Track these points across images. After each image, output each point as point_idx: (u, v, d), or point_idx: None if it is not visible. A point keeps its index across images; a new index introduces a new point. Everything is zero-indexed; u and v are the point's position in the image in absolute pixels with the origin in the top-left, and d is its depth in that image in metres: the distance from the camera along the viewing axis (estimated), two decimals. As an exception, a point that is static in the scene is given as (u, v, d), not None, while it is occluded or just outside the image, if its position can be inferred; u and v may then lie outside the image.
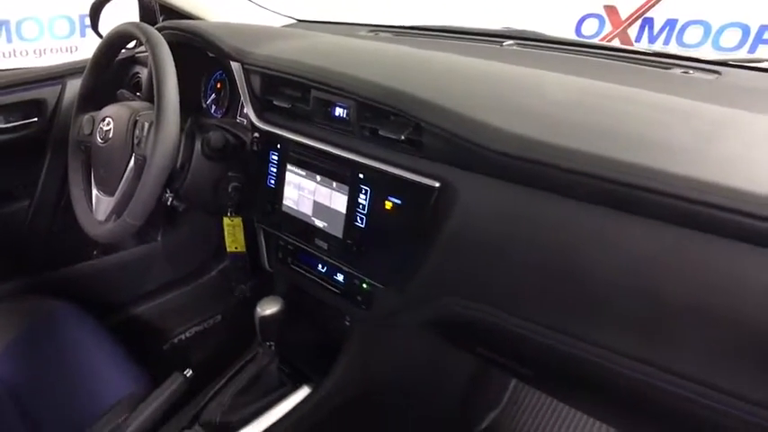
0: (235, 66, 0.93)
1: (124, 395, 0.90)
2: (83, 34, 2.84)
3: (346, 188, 0.79)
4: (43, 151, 1.20)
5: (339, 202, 0.80)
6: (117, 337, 1.03)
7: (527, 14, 2.70)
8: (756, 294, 0.48)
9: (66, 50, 2.85)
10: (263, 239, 1.01)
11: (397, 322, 0.85)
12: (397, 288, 0.77)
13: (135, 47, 1.21)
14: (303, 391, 0.97)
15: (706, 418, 0.55)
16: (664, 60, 0.90)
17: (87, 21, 1.27)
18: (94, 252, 1.31)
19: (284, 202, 0.90)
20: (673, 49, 2.49)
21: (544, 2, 2.73)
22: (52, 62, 1.22)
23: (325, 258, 0.88)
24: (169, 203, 0.92)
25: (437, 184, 0.68)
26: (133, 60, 1.23)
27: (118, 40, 0.97)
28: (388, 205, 0.73)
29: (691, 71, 0.84)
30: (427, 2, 2.92)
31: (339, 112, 0.81)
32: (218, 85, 1.17)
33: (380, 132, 0.73)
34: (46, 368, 0.96)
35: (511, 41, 1.07)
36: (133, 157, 0.88)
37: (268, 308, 0.91)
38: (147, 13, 1.19)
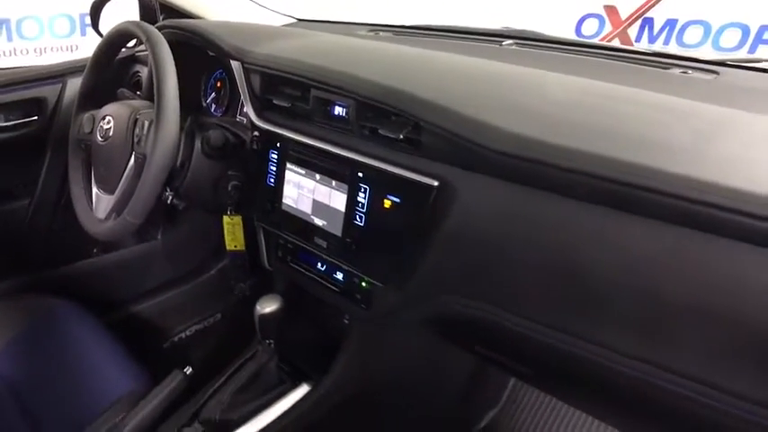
0: (235, 65, 0.93)
1: (124, 393, 0.90)
2: (83, 33, 2.84)
3: (345, 187, 0.79)
4: (43, 150, 1.20)
5: (338, 200, 0.80)
6: (117, 335, 1.03)
7: (527, 14, 2.70)
8: (756, 294, 0.48)
9: (67, 49, 2.85)
10: (262, 238, 1.01)
11: (396, 321, 0.85)
12: (396, 286, 0.77)
13: (135, 46, 1.21)
14: (302, 389, 0.97)
15: (706, 418, 0.55)
16: (663, 60, 0.90)
17: (88, 20, 1.27)
18: (95, 250, 1.31)
19: (284, 200, 0.90)
20: (673, 49, 2.49)
21: (544, 2, 2.73)
22: (53, 61, 1.22)
23: (324, 257, 0.89)
24: (169, 202, 0.92)
25: (436, 183, 0.68)
26: (133, 59, 1.23)
27: (118, 38, 0.97)
28: (387, 204, 0.74)
29: (689, 71, 0.84)
30: (428, 1, 2.92)
31: (339, 111, 0.81)
32: (219, 84, 1.17)
33: (380, 131, 0.73)
34: (46, 366, 0.96)
35: (510, 41, 1.08)
36: (133, 156, 0.88)
37: (267, 306, 0.91)
38: (147, 12, 1.19)
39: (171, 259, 1.39)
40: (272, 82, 0.90)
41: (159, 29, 0.92)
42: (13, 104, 1.14)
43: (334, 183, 0.81)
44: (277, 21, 1.40)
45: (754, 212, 0.46)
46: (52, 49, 2.82)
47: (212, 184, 0.95)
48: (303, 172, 0.86)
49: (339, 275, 0.88)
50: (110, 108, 0.95)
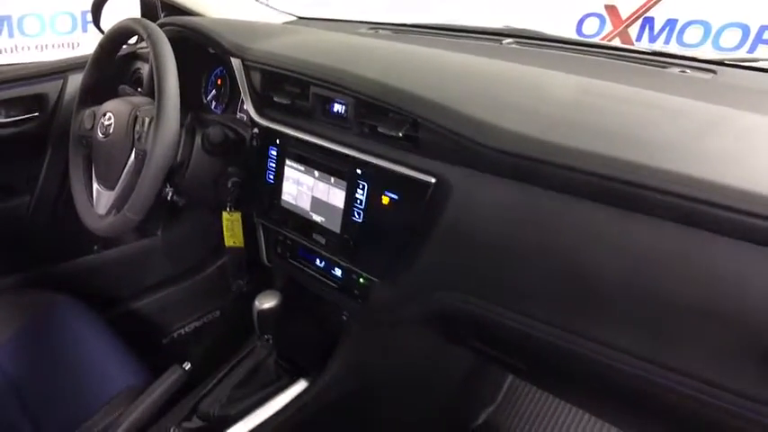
0: (235, 62, 0.93)
1: (123, 388, 0.91)
2: (84, 30, 2.84)
3: (344, 184, 0.80)
4: (44, 146, 1.21)
5: (337, 197, 0.81)
6: (117, 331, 1.04)
7: (528, 14, 2.70)
8: (758, 293, 0.48)
9: (68, 46, 2.85)
10: (261, 234, 1.02)
11: (394, 317, 0.86)
12: (394, 282, 0.78)
13: (136, 43, 1.21)
14: (300, 385, 0.97)
15: (706, 416, 0.55)
16: (661, 60, 0.91)
17: (89, 17, 1.28)
18: (95, 246, 1.32)
19: (283, 197, 0.91)
20: (673, 48, 2.49)
21: (545, 1, 2.73)
22: (54, 58, 1.22)
23: (323, 253, 0.89)
24: (169, 198, 0.93)
25: (433, 181, 0.68)
26: (135, 56, 1.24)
27: (119, 35, 0.97)
28: (385, 200, 0.74)
29: (688, 70, 0.85)
30: (428, 1, 2.92)
31: (338, 108, 0.81)
32: (219, 82, 1.17)
33: (378, 129, 0.74)
34: (46, 361, 0.97)
35: (510, 40, 1.08)
36: (133, 152, 0.88)
37: (266, 302, 0.91)
38: (148, 10, 1.19)
39: (171, 256, 1.39)
40: (273, 79, 0.90)
41: (160, 26, 0.92)
42: (14, 101, 1.14)
43: (332, 180, 0.81)
44: (277, 18, 1.41)
45: (755, 212, 0.46)
46: (54, 45, 2.82)
47: (212, 181, 0.96)
48: (302, 169, 0.86)
49: (337, 272, 0.89)
50: (111, 104, 0.95)
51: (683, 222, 0.51)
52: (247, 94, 0.93)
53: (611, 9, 2.62)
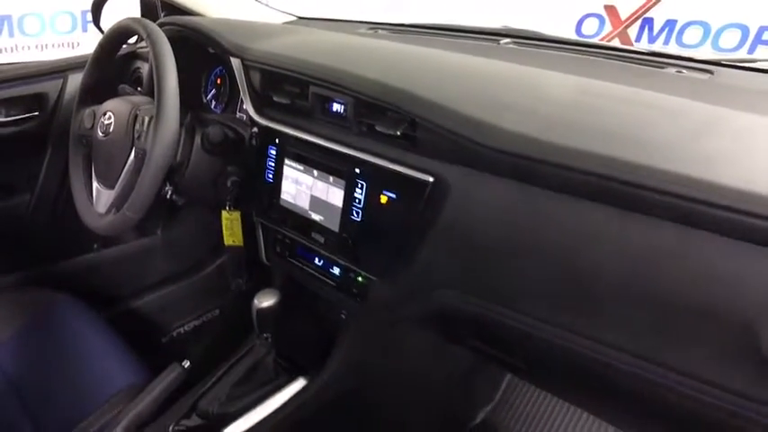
0: (235, 62, 0.94)
1: (123, 386, 0.91)
2: (84, 29, 2.84)
3: (343, 183, 0.80)
4: (44, 145, 1.21)
5: (336, 196, 0.81)
6: (117, 330, 1.04)
7: (527, 14, 2.70)
8: (757, 293, 0.48)
9: (68, 46, 2.85)
10: (260, 233, 1.02)
11: (392, 316, 0.86)
12: (392, 281, 0.78)
13: (136, 42, 1.22)
14: (299, 383, 0.98)
15: (705, 415, 0.55)
16: (659, 60, 0.91)
17: (89, 16, 1.28)
18: (95, 245, 1.32)
19: (282, 196, 0.91)
20: (672, 49, 2.49)
21: (545, 2, 2.73)
22: (54, 57, 1.23)
23: (321, 252, 0.89)
24: (169, 197, 0.93)
25: (431, 179, 0.69)
26: (134, 55, 1.24)
27: (119, 35, 0.98)
28: (384, 199, 0.75)
29: (684, 71, 0.85)
30: (428, 1, 2.93)
31: (337, 108, 0.82)
32: (219, 81, 1.18)
33: (377, 128, 0.74)
34: (46, 359, 0.97)
35: (508, 40, 1.08)
36: (133, 151, 0.89)
37: (265, 300, 0.92)
38: (148, 9, 1.19)
39: (170, 255, 1.40)
40: (272, 79, 0.90)
41: (160, 26, 0.92)
42: (14, 100, 1.14)
43: (331, 179, 0.82)
44: (277, 18, 1.41)
45: (753, 211, 0.46)
46: (54, 45, 2.82)
47: (211, 180, 0.96)
48: (301, 168, 0.87)
49: (336, 270, 0.89)
50: (110, 104, 0.95)
51: (681, 222, 0.51)
52: (247, 93, 0.94)
53: (611, 9, 2.62)
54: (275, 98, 0.89)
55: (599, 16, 2.67)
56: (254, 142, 0.94)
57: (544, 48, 1.03)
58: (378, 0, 2.85)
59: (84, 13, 2.80)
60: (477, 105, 0.67)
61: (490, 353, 0.86)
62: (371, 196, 0.76)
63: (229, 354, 1.05)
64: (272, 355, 1.02)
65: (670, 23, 2.50)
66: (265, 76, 0.91)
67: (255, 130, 0.94)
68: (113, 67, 1.06)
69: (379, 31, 1.23)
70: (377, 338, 0.95)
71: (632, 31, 2.61)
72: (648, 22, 2.56)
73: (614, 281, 0.56)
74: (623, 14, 2.59)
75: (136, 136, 0.88)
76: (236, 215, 1.01)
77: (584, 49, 1.01)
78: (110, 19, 1.18)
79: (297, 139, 0.87)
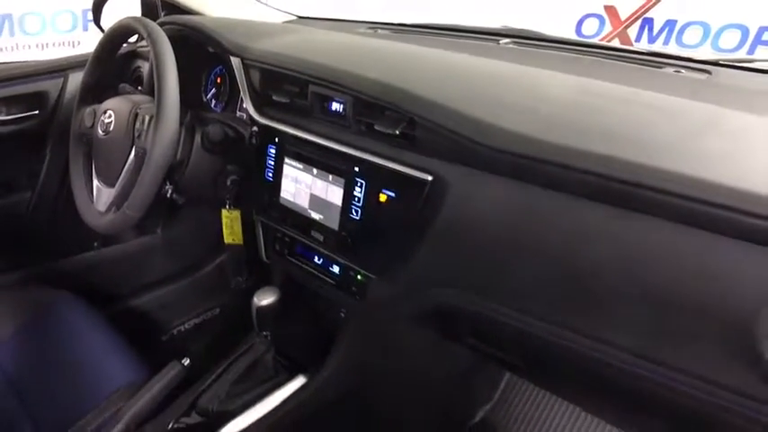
0: (235, 61, 0.94)
1: (123, 384, 0.91)
2: (85, 28, 2.85)
3: (342, 181, 0.80)
4: (45, 143, 1.21)
5: (335, 194, 0.82)
6: (117, 328, 1.04)
7: (527, 14, 2.71)
8: (756, 293, 0.48)
9: (69, 44, 2.86)
10: (260, 232, 1.02)
11: (391, 314, 0.86)
12: (391, 279, 0.78)
13: (137, 41, 1.22)
14: (298, 381, 0.98)
15: (705, 414, 0.55)
16: (657, 60, 0.91)
17: (90, 15, 1.28)
18: (95, 243, 1.32)
19: (282, 195, 0.91)
20: (672, 49, 2.50)
21: (545, 2, 2.74)
22: (55, 56, 1.23)
23: (321, 250, 0.90)
24: (169, 196, 0.93)
25: (430, 178, 0.69)
26: (135, 54, 1.24)
27: (119, 34, 0.98)
28: (383, 198, 0.75)
29: (683, 71, 0.85)
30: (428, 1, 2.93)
31: (336, 107, 0.82)
32: (219, 80, 1.18)
33: (376, 127, 0.74)
34: (46, 357, 0.97)
35: (507, 40, 1.09)
36: (133, 150, 0.89)
37: (264, 298, 0.92)
38: (148, 9, 1.20)
39: (170, 254, 1.40)
40: (272, 78, 0.91)
41: (160, 25, 0.92)
42: (15, 98, 1.14)
43: (331, 177, 0.82)
44: (277, 18, 1.41)
45: (752, 211, 0.47)
46: (54, 44, 2.82)
47: (211, 179, 0.97)
48: (301, 167, 0.87)
49: (335, 269, 0.89)
50: (111, 103, 0.96)
51: (679, 221, 0.51)
52: (247, 92, 0.94)
53: (611, 10, 2.63)
54: (275, 97, 0.89)
55: (599, 16, 2.67)
56: (253, 141, 0.95)
57: (544, 48, 1.03)
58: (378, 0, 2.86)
59: (84, 12, 2.81)
60: (477, 105, 0.67)
61: (488, 351, 0.86)
62: (370, 195, 0.77)
63: (229, 351, 1.05)
64: (272, 353, 1.02)
65: (670, 24, 2.51)
66: (265, 76, 0.92)
67: (255, 128, 0.94)
68: (114, 66, 1.06)
69: (379, 31, 1.23)
70: (376, 336, 0.96)
71: (632, 32, 2.61)
72: (648, 22, 2.56)
73: (613, 280, 0.56)
74: (623, 14, 2.60)
75: (136, 135, 0.88)
76: (236, 214, 1.01)
77: (583, 49, 1.01)
78: (110, 18, 1.19)
79: (296, 137, 0.87)
